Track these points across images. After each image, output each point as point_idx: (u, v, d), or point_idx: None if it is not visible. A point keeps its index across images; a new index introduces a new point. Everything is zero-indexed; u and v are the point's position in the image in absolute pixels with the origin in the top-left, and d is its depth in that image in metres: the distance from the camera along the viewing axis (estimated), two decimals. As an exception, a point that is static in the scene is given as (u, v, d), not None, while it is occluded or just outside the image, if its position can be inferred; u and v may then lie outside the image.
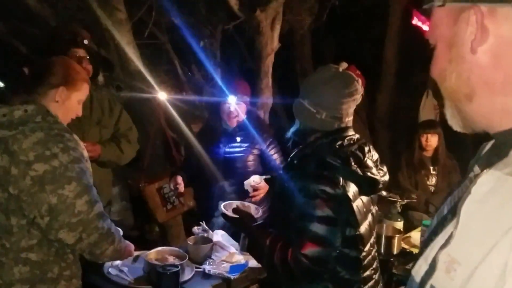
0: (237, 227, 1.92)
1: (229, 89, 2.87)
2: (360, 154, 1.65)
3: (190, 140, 3.04)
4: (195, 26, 4.19)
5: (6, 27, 3.82)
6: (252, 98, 3.06)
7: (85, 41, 2.48)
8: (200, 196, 3.12)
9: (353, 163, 1.60)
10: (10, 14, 3.68)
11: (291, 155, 1.76)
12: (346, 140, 1.66)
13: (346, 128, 1.70)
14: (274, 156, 2.99)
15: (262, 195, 2.84)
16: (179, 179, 2.92)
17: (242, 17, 3.40)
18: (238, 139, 2.95)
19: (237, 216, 1.85)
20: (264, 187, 2.83)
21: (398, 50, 5.40)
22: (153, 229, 4.67)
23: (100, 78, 2.71)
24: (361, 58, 4.19)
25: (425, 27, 3.09)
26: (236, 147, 2.95)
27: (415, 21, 3.21)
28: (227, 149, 2.94)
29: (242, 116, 2.92)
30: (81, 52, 2.48)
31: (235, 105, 2.86)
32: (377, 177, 1.69)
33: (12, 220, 1.57)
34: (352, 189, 1.60)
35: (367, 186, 1.66)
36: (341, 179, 1.56)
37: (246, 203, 2.26)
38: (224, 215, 1.95)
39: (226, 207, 2.04)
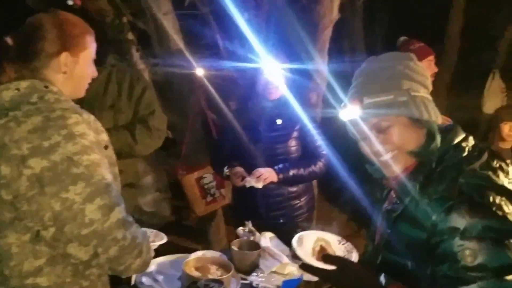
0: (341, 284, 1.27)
1: (267, 59, 2.49)
2: (503, 163, 1.20)
3: (231, 123, 2.67)
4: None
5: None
6: (293, 69, 2.65)
7: (70, 2, 2.02)
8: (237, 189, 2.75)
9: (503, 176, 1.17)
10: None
11: (401, 181, 1.26)
12: (469, 146, 1.23)
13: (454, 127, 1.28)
14: (317, 140, 2.59)
15: (267, 175, 2.47)
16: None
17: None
18: (279, 121, 2.57)
19: (334, 267, 1.25)
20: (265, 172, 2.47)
21: (463, 25, 4.83)
22: (190, 215, 4.41)
23: (111, 59, 2.29)
24: (418, 34, 3.67)
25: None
26: (277, 131, 2.57)
27: None
28: (267, 134, 2.57)
29: (283, 89, 2.54)
30: None
31: (275, 75, 2.48)
32: None
33: (10, 237, 1.22)
34: None
35: None
36: (503, 203, 1.10)
37: (328, 234, 1.67)
38: (308, 267, 1.33)
39: (300, 244, 1.47)
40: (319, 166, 2.58)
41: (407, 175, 1.25)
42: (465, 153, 1.20)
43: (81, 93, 1.49)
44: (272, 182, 2.49)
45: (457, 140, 1.23)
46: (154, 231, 1.96)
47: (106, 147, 1.37)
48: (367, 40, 5.62)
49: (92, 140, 1.29)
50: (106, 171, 1.31)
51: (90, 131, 1.29)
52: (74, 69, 1.41)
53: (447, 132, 1.25)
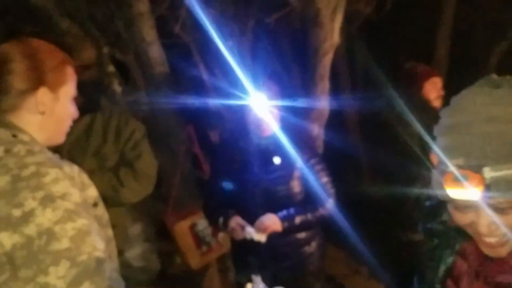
0: None
1: (255, 91, 2.22)
2: None
3: (223, 163, 2.38)
4: (225, 22, 3.54)
5: (2, 26, 3.20)
6: (289, 102, 2.39)
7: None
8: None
9: None
10: (6, 11, 3.07)
11: None
12: None
13: None
14: (322, 178, 2.30)
15: (271, 227, 2.18)
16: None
17: (293, 4, 2.71)
18: (277, 160, 2.27)
19: None
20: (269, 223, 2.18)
21: (451, 46, 4.74)
22: (174, 261, 3.98)
23: (104, 103, 2.03)
24: (405, 59, 3.50)
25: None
26: (276, 171, 2.27)
27: None
28: (264, 175, 2.26)
29: (276, 126, 2.25)
30: None
31: (266, 110, 2.20)
32: None
33: None
34: None
35: None
36: None
37: None
38: None
39: None
40: (328, 207, 2.29)
41: None
42: None
43: (61, 138, 1.24)
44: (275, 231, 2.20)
45: None
46: None
47: (95, 205, 1.12)
48: (350, 69, 5.40)
49: (77, 201, 1.02)
50: (97, 240, 1.02)
51: (74, 189, 1.03)
52: (54, 108, 1.15)
53: None
